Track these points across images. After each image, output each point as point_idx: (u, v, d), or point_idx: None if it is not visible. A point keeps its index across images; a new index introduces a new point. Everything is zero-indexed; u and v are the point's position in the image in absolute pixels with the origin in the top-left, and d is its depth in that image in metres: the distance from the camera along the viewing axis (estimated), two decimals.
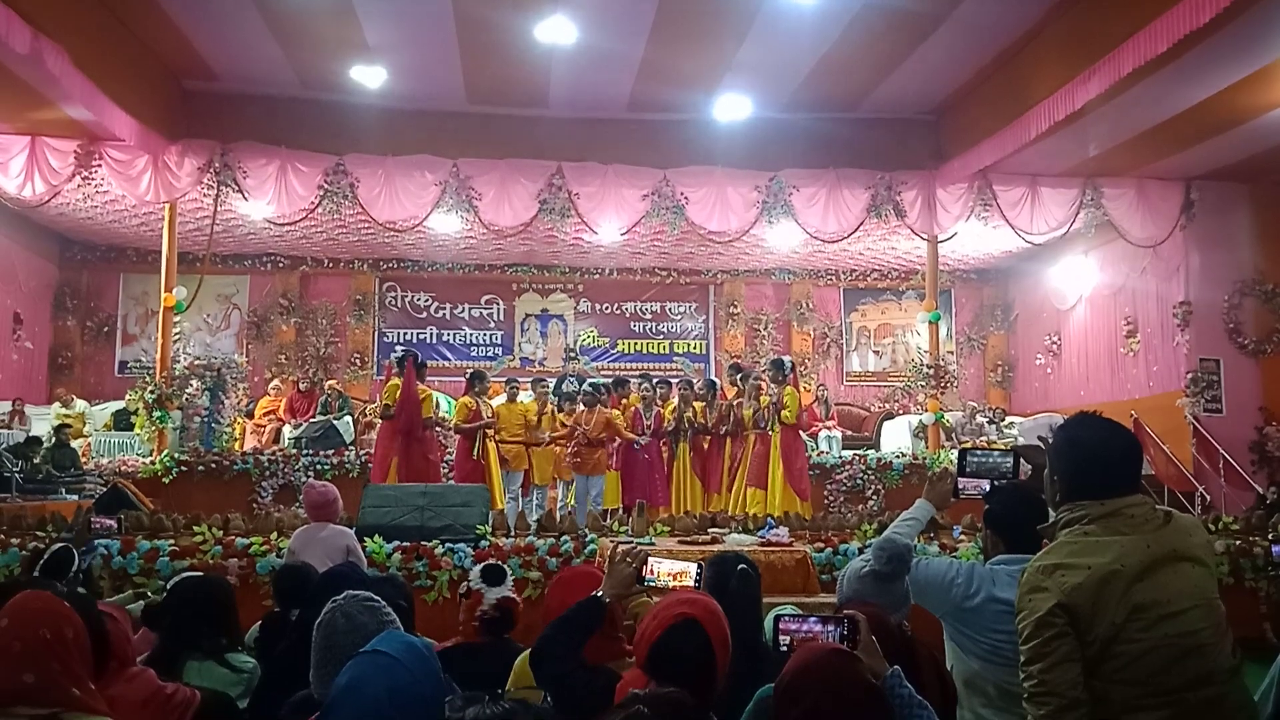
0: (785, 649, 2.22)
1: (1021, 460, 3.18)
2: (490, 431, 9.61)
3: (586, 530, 7.40)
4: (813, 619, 2.27)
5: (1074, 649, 2.08)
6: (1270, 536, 7.64)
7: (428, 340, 15.54)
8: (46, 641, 1.99)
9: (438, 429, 9.47)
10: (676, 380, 10.70)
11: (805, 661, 2.06)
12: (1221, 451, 11.15)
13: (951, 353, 15.58)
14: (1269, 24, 7.62)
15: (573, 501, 9.74)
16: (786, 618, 2.30)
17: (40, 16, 7.97)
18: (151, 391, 10.68)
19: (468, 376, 9.99)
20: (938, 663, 2.91)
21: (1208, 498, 10.98)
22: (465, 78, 10.77)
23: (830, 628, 2.23)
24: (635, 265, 15.60)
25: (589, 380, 11.44)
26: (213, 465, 10.42)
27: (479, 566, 3.63)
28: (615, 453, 9.75)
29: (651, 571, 2.79)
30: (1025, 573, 2.23)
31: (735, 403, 9.77)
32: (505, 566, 3.59)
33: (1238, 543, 7.49)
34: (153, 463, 10.33)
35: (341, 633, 2.19)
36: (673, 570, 2.80)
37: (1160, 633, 2.07)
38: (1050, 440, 2.37)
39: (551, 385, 11.28)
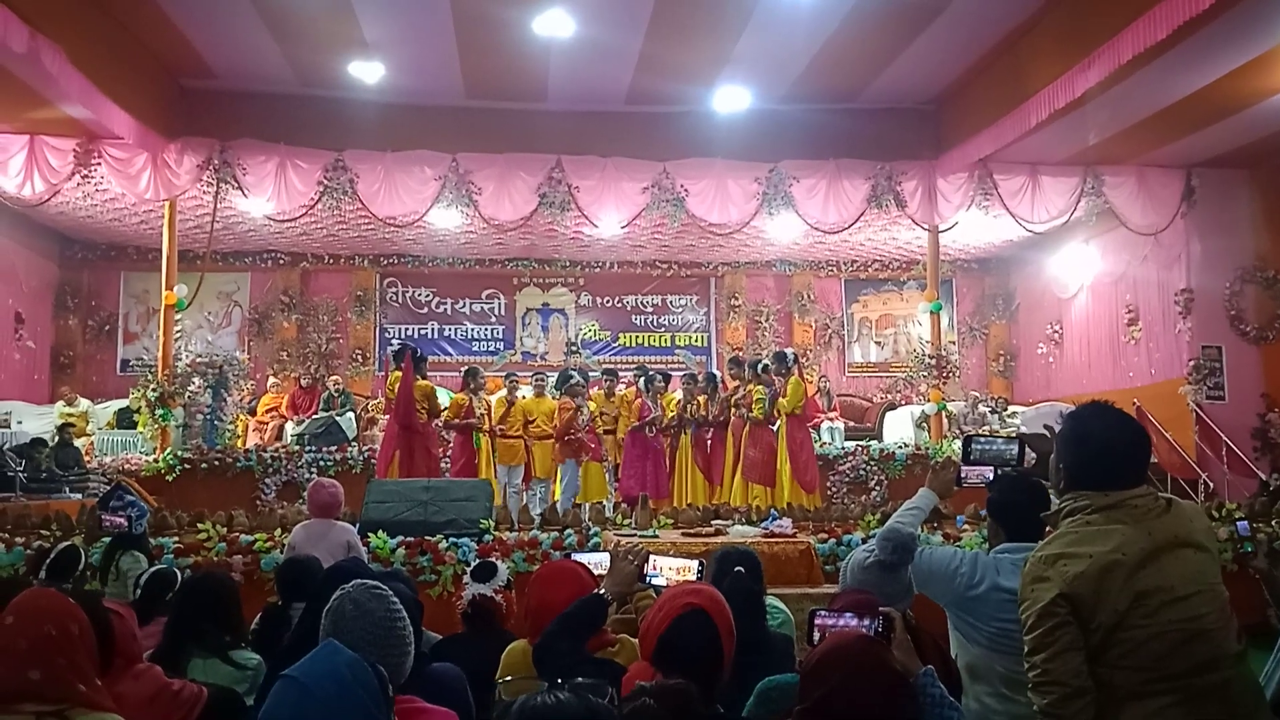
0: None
1: (1027, 447, 3.16)
2: (485, 427, 9.85)
3: (590, 523, 7.41)
4: (848, 615, 2.27)
5: (1077, 638, 2.08)
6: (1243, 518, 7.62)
7: (429, 335, 15.53)
8: (52, 638, 1.99)
9: (437, 423, 9.50)
10: (681, 373, 10.72)
11: (834, 645, 2.07)
12: (1224, 438, 11.14)
13: (953, 342, 15.55)
14: (1268, 10, 7.60)
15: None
16: (822, 613, 2.31)
17: (37, 15, 7.96)
18: (154, 390, 10.68)
19: (463, 373, 10.19)
20: (942, 651, 2.91)
21: (1211, 485, 10.96)
22: (463, 72, 10.75)
23: (865, 623, 2.23)
24: (636, 258, 15.54)
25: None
26: (216, 463, 10.47)
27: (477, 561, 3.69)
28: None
29: (654, 568, 2.80)
30: (1027, 563, 2.23)
31: (739, 393, 9.77)
32: (498, 563, 3.61)
33: None
34: (156, 461, 10.37)
35: (350, 619, 2.19)
36: (674, 567, 2.82)
37: (1164, 618, 2.06)
38: (1056, 428, 2.36)
39: (554, 378, 11.29)
